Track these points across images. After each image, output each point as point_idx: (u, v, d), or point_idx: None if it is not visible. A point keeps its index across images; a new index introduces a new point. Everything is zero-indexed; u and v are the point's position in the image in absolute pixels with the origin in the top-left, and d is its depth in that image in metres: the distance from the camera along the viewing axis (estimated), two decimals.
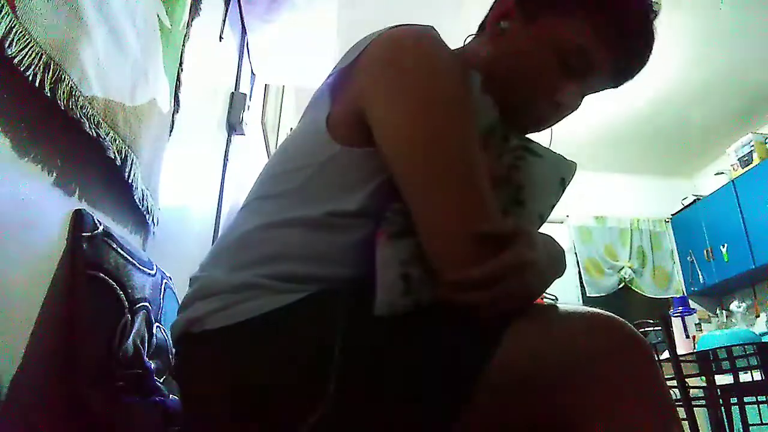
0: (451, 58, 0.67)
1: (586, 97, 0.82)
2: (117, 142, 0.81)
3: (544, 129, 0.81)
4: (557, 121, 0.82)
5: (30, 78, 0.58)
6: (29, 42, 0.57)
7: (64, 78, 0.65)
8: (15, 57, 0.56)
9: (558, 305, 0.61)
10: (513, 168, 0.72)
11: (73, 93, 0.67)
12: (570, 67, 0.74)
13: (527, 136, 0.79)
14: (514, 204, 0.70)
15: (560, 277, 0.69)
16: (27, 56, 0.57)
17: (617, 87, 0.83)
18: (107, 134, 0.77)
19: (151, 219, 1.01)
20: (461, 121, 0.64)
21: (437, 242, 0.61)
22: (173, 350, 0.71)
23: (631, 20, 0.74)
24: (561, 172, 0.78)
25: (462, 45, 0.84)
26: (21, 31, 0.56)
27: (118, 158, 0.82)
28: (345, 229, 0.67)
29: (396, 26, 0.70)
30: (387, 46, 0.68)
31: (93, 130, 0.73)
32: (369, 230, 0.66)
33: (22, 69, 0.57)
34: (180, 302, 1.04)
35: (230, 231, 0.73)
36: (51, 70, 0.62)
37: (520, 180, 0.72)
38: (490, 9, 0.82)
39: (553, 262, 0.66)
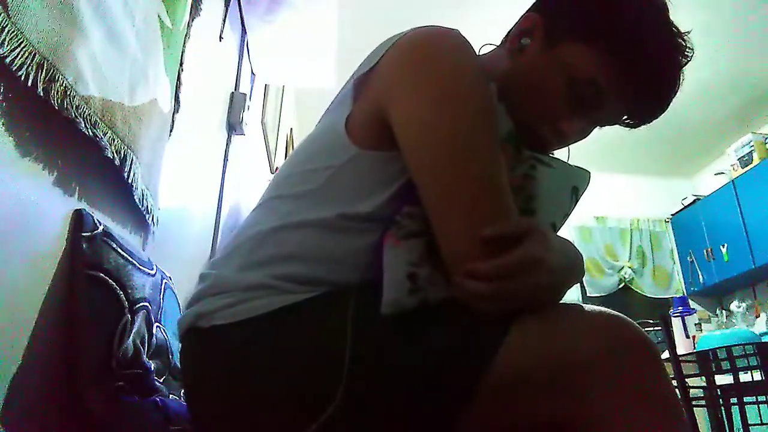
0: (475, 61, 0.67)
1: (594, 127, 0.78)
2: (115, 141, 0.81)
3: (546, 152, 0.78)
4: (560, 148, 0.80)
5: (23, 77, 0.58)
6: (21, 41, 0.57)
7: (58, 78, 0.64)
8: (7, 56, 0.55)
9: (563, 304, 0.61)
10: (526, 178, 0.72)
11: (68, 93, 0.67)
12: (578, 99, 0.72)
13: None
14: (524, 213, 0.70)
15: (578, 282, 0.68)
16: (19, 55, 0.57)
17: (631, 128, 0.79)
18: (105, 134, 0.77)
19: (150, 219, 1.01)
20: (483, 120, 0.64)
21: (451, 243, 0.62)
22: (179, 345, 0.71)
23: (659, 63, 0.71)
24: (573, 181, 0.77)
25: (478, 53, 0.83)
26: (13, 30, 0.56)
27: (117, 158, 0.82)
28: (359, 233, 0.67)
29: (421, 27, 0.69)
30: (410, 46, 0.68)
31: (89, 130, 0.72)
32: (381, 234, 0.67)
33: (14, 69, 0.57)
34: (180, 301, 1.04)
35: (244, 229, 0.73)
36: (44, 70, 0.62)
37: (532, 190, 0.71)
38: (517, 22, 0.79)
39: (569, 265, 0.64)
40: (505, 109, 0.72)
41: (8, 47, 0.55)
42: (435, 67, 0.65)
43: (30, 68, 0.59)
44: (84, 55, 0.71)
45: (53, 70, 0.63)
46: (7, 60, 0.56)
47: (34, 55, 0.60)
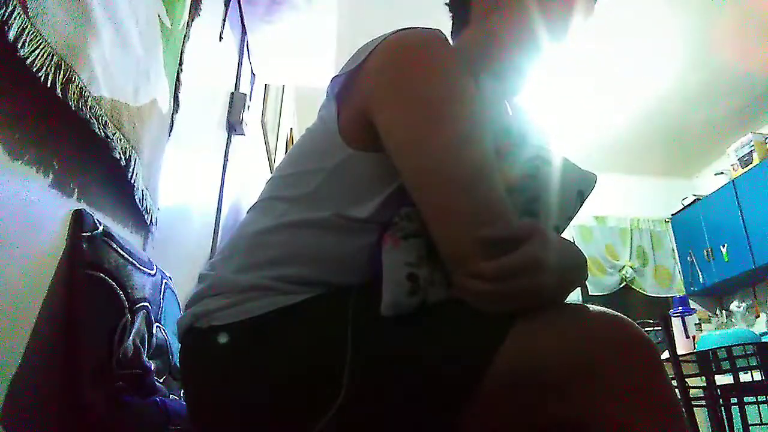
0: (457, 61, 0.67)
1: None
2: (122, 142, 0.81)
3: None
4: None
5: (42, 79, 0.58)
6: (41, 43, 0.57)
7: (74, 78, 0.65)
8: (27, 58, 0.56)
9: (564, 304, 0.61)
10: (528, 178, 0.72)
11: (83, 93, 0.67)
12: None
13: (546, 144, 0.78)
14: (526, 215, 0.70)
15: (580, 284, 0.67)
16: (39, 57, 0.57)
17: None
18: (114, 134, 0.77)
19: (150, 219, 1.01)
20: (468, 123, 0.64)
21: (448, 245, 0.62)
22: (179, 345, 0.71)
23: None
24: (579, 184, 0.77)
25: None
26: (33, 32, 0.56)
27: (123, 158, 0.82)
28: (356, 233, 0.67)
29: (402, 29, 0.69)
30: (393, 50, 0.68)
31: (101, 131, 0.73)
32: (379, 234, 0.67)
33: (34, 70, 0.57)
34: (180, 301, 1.04)
35: (241, 230, 0.73)
36: (62, 71, 0.62)
37: (534, 191, 0.71)
38: (466, 5, 0.83)
39: (571, 266, 0.63)
40: (505, 107, 0.72)
41: (28, 48, 0.55)
42: (415, 72, 0.65)
43: (49, 69, 0.59)
44: (97, 56, 0.71)
45: (70, 71, 0.64)
46: (28, 62, 0.56)
47: (53, 56, 0.60)
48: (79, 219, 0.72)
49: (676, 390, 2.09)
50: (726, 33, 3.26)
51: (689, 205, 4.64)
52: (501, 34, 0.80)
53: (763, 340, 2.20)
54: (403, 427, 0.58)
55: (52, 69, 0.60)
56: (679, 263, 4.72)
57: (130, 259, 0.82)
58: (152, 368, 0.82)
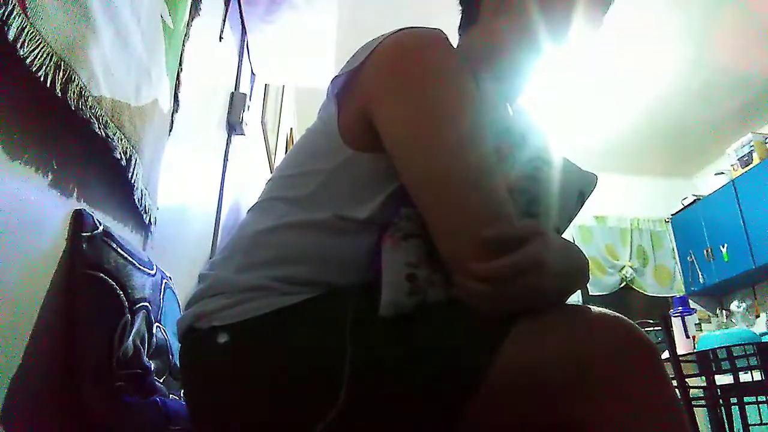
0: (458, 61, 0.67)
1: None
2: (123, 142, 0.81)
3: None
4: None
5: (41, 78, 0.58)
6: (40, 42, 0.58)
7: (74, 78, 0.65)
8: (27, 57, 0.56)
9: (565, 305, 0.61)
10: (529, 179, 0.72)
11: (83, 93, 0.67)
12: None
13: (546, 145, 0.79)
14: (526, 216, 0.69)
15: (583, 286, 0.67)
16: (38, 57, 0.57)
17: None
18: (114, 134, 0.77)
19: (148, 219, 1.01)
20: (468, 123, 0.64)
21: (448, 245, 0.61)
22: (179, 345, 0.71)
23: None
24: (579, 185, 0.77)
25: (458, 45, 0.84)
26: (32, 32, 0.56)
27: (124, 158, 0.82)
28: (356, 233, 0.67)
29: (403, 29, 0.69)
30: (393, 50, 0.68)
31: (102, 131, 0.73)
32: (379, 235, 0.67)
33: (33, 69, 0.57)
34: (180, 301, 1.04)
35: (241, 230, 0.74)
36: (62, 71, 0.62)
37: (535, 192, 0.71)
38: (476, 3, 0.84)
39: (571, 268, 0.63)
40: (505, 106, 0.72)
41: (28, 48, 0.55)
42: (415, 72, 0.65)
43: (48, 69, 0.59)
44: (96, 56, 0.71)
45: (70, 71, 0.64)
46: (27, 61, 0.56)
47: (52, 55, 0.60)
48: (79, 219, 0.72)
49: (677, 390, 2.09)
50: (726, 33, 3.26)
51: (689, 205, 4.64)
52: (503, 37, 0.80)
53: (763, 340, 2.20)
54: (403, 428, 0.58)
55: (52, 68, 0.60)
56: (679, 263, 4.72)
57: (130, 259, 0.82)
58: (152, 368, 0.82)
